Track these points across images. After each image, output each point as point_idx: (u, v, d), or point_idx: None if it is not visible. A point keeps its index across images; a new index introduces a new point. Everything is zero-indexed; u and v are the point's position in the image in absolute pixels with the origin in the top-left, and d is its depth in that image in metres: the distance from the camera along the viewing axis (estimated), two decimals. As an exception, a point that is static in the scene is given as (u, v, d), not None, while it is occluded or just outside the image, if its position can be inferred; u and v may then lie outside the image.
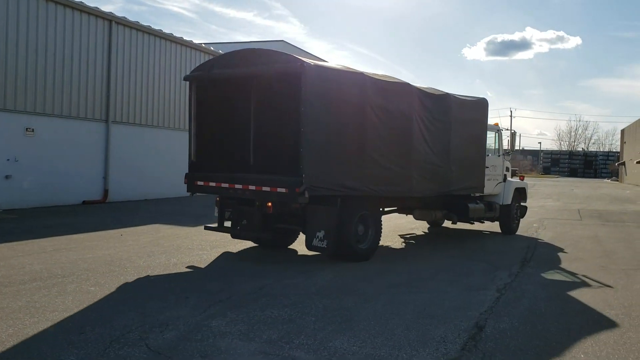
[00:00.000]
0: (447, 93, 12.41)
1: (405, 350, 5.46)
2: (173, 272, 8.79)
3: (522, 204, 15.58)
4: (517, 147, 21.25)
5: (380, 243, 12.64)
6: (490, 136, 14.62)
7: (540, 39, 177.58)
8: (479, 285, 8.63)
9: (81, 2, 18.94)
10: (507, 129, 15.39)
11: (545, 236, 14.93)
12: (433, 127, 11.75)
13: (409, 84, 11.16)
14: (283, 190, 9.21)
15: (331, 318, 6.46)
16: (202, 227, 11.37)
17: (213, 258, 10.07)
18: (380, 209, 11.65)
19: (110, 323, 5.94)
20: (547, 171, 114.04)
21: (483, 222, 14.60)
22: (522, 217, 15.66)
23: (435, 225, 15.82)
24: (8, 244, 10.62)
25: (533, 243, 13.56)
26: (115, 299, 7.00)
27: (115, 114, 20.65)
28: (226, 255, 10.42)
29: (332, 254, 9.86)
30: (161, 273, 8.68)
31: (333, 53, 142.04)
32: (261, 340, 5.58)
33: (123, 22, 20.74)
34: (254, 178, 9.76)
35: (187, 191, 10.91)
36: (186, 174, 10.91)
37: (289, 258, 10.51)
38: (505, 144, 15.35)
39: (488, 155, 14.07)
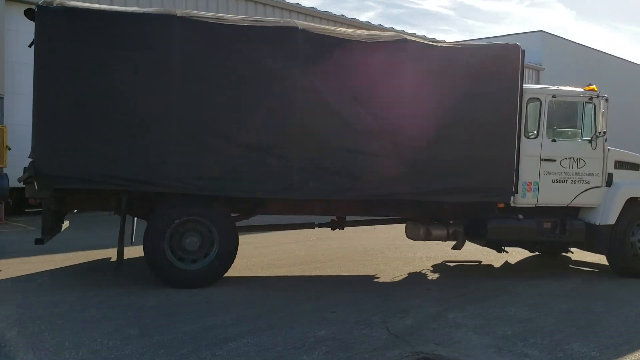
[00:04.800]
0: (402, 38, 7.88)
1: (655, 362, 5.08)
2: (418, 265, 9.28)
3: None
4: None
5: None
6: (571, 107, 8.89)
7: None
8: None
9: (313, 8, 20.20)
10: (601, 96, 8.53)
11: None
12: (355, 91, 7.53)
13: (292, 27, 7.41)
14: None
15: (573, 321, 6.27)
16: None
17: (459, 255, 10.31)
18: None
19: (358, 305, 6.67)
20: None
21: (535, 252, 9.62)
22: None
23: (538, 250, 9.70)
24: (282, 232, 12.29)
25: None
26: (366, 285, 7.76)
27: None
28: (471, 255, 10.56)
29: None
30: (407, 265, 9.26)
31: (605, 37, 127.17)
32: (495, 336, 5.71)
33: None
34: None
35: None
36: None
37: (541, 262, 10.19)
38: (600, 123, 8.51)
39: (552, 140, 8.44)
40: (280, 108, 7.28)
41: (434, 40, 7.95)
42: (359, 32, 8.00)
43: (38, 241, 7.26)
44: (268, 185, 7.27)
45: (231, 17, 7.80)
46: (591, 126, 8.57)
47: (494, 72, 8.00)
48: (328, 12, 20.50)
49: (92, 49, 6.76)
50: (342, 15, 20.70)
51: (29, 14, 6.76)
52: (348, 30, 8.12)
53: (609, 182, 8.65)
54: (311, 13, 19.72)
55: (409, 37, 7.98)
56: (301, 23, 7.74)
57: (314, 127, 7.36)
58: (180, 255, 7.27)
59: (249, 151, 7.19)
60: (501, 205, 8.26)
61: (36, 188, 6.75)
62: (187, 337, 5.39)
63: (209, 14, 7.61)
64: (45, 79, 6.69)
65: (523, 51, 8.17)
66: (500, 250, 8.81)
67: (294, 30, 7.37)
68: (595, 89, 8.74)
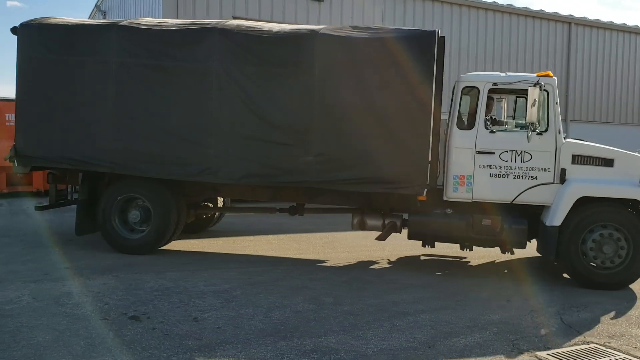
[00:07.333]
0: (311, 31, 8.09)
1: None
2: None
3: None
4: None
5: None
6: (516, 95, 8.49)
7: None
8: None
9: (541, 10, 20.37)
10: (540, 83, 7.34)
11: None
12: (263, 82, 7.99)
13: (210, 27, 8.22)
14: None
15: None
16: None
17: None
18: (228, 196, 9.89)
19: (536, 297, 6.97)
20: None
21: (467, 249, 8.28)
22: None
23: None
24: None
25: None
26: (546, 279, 7.89)
27: (574, 112, 21.43)
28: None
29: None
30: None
31: None
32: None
33: (582, 22, 21.35)
34: None
35: None
36: None
37: None
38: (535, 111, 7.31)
39: (490, 132, 7.74)
40: (200, 102, 8.17)
41: (350, 29, 8.12)
42: (286, 27, 8.54)
43: (37, 208, 9.66)
44: (187, 169, 8.24)
45: (170, 21, 9.02)
46: (537, 116, 7.38)
47: (404, 59, 7.69)
48: (526, 7, 20.31)
49: (54, 56, 8.43)
50: (541, 10, 20.33)
51: (13, 30, 8.69)
52: (274, 25, 8.68)
53: (560, 178, 7.60)
54: (497, 8, 19.65)
55: (320, 29, 8.13)
56: (227, 23, 8.45)
57: (227, 119, 8.09)
58: (131, 227, 8.69)
59: (172, 140, 8.21)
60: (422, 198, 7.82)
61: (16, 165, 8.79)
62: (372, 308, 6.25)
63: (150, 20, 8.84)
64: (21, 80, 8.60)
65: (442, 38, 7.76)
66: (424, 245, 8.35)
67: (212, 30, 8.18)
68: (550, 74, 7.75)
